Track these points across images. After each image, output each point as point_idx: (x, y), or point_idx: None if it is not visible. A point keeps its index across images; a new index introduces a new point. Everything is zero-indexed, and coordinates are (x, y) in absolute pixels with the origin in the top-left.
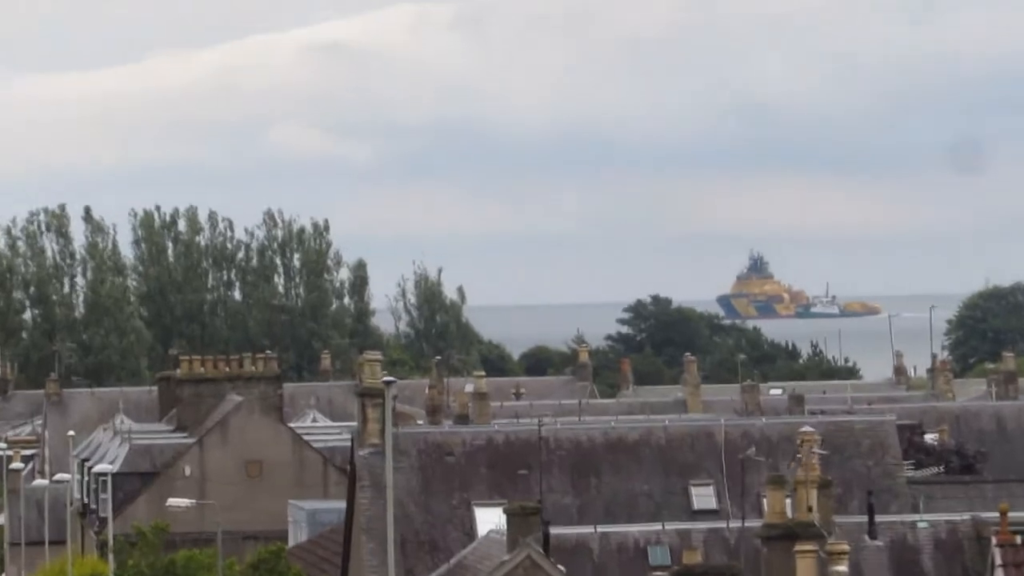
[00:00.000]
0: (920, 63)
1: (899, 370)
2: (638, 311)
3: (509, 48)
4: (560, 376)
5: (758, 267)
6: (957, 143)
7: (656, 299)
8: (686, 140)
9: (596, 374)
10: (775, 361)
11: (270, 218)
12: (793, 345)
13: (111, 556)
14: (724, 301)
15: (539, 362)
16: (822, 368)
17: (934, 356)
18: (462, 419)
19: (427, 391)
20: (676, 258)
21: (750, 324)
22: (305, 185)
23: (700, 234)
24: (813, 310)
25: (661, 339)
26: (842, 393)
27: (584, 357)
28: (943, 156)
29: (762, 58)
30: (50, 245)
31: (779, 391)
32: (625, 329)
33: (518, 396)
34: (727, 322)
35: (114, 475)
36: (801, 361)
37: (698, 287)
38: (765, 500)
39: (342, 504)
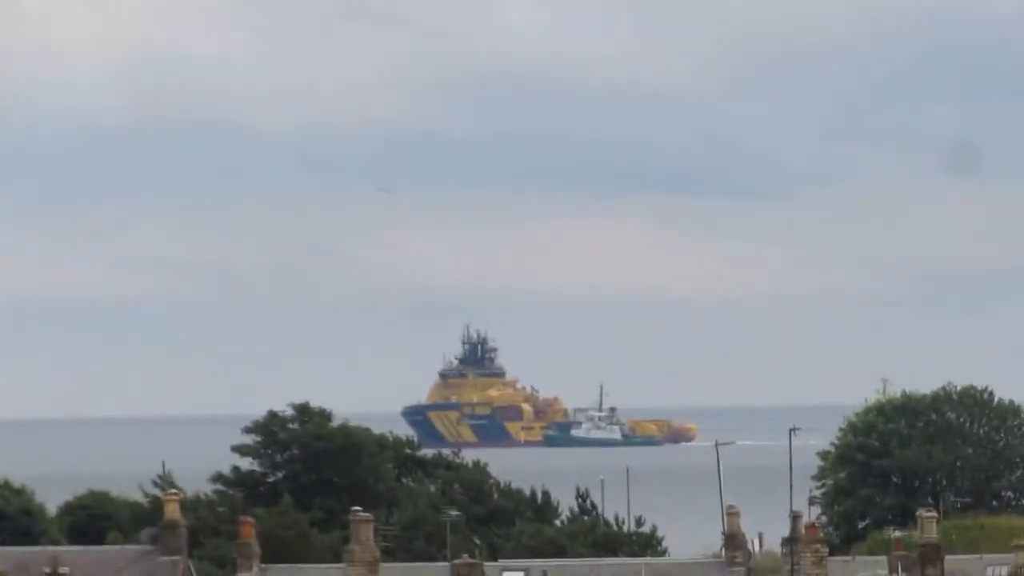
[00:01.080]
0: None
1: (732, 540)
2: (270, 432)
3: None
4: (131, 545)
5: (477, 356)
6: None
7: (303, 411)
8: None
9: (196, 542)
10: (512, 521)
11: None
12: (545, 493)
13: None
14: (416, 416)
15: (93, 520)
16: (595, 535)
17: (795, 515)
18: None
19: None
20: (337, 339)
21: (468, 455)
22: None
23: (381, 296)
24: (577, 433)
25: (312, 481)
26: None
27: (173, 511)
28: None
29: None
30: None
31: (519, 575)
32: (248, 463)
33: None
34: (427, 452)
35: None
36: (559, 522)
37: (375, 390)
38: None
39: None
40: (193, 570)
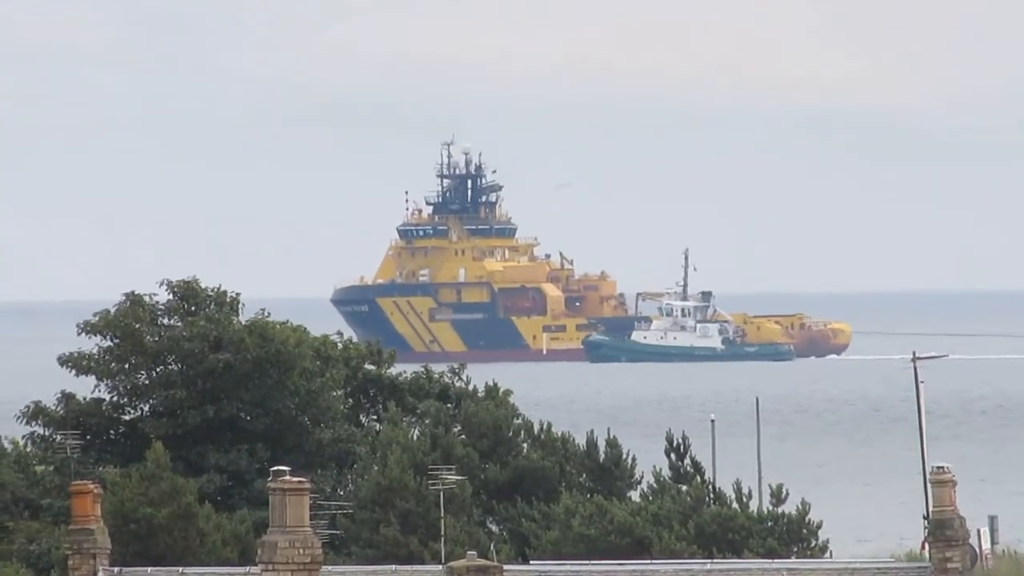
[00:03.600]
0: None
1: (943, 528)
2: (129, 332)
3: None
4: None
5: (466, 200)
6: None
7: (187, 294)
8: None
9: None
10: (554, 493)
11: None
12: (612, 444)
13: None
14: (358, 304)
15: None
16: (701, 518)
17: None
18: None
19: None
20: (223, 168)
21: (447, 367)
22: None
23: (289, 96)
24: (643, 337)
25: (203, 420)
26: None
27: None
28: None
29: None
30: None
31: None
32: (90, 387)
33: None
34: (403, 370)
35: None
36: (637, 495)
37: (289, 259)
38: None
39: None
40: None
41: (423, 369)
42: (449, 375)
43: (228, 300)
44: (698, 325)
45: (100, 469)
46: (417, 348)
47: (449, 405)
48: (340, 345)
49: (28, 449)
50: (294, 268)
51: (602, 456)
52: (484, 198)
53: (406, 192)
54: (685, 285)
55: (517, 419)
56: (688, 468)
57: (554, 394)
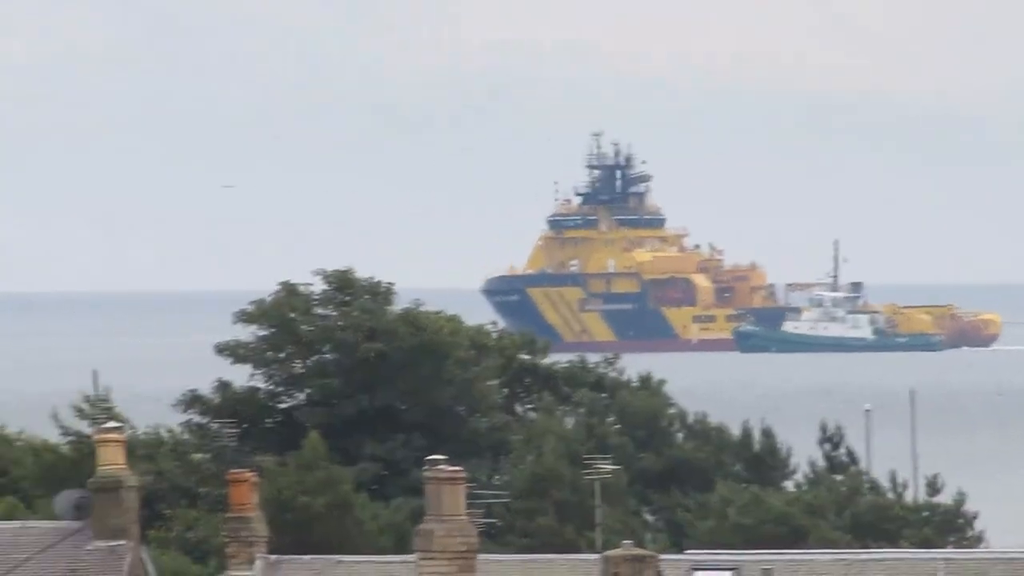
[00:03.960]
0: None
1: None
2: (283, 321)
3: None
4: (39, 520)
5: (615, 191)
6: None
7: (342, 284)
8: None
9: (154, 515)
10: (708, 483)
11: None
12: (765, 433)
13: None
14: (509, 294)
15: None
16: (857, 508)
17: None
18: None
19: None
20: (362, 163)
21: (600, 357)
22: None
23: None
24: (793, 327)
25: (358, 410)
26: None
27: (113, 461)
28: None
29: None
30: None
31: None
32: (245, 376)
33: None
34: (557, 359)
35: None
36: (792, 485)
37: (436, 249)
38: None
39: None
40: (150, 563)
41: (577, 358)
42: (604, 365)
43: (382, 290)
44: (849, 316)
45: (256, 457)
46: (567, 338)
47: (603, 395)
48: (495, 335)
49: (185, 437)
50: (442, 259)
51: (757, 446)
52: (634, 188)
53: (555, 182)
54: (835, 276)
55: (671, 409)
56: (843, 458)
57: (705, 384)
